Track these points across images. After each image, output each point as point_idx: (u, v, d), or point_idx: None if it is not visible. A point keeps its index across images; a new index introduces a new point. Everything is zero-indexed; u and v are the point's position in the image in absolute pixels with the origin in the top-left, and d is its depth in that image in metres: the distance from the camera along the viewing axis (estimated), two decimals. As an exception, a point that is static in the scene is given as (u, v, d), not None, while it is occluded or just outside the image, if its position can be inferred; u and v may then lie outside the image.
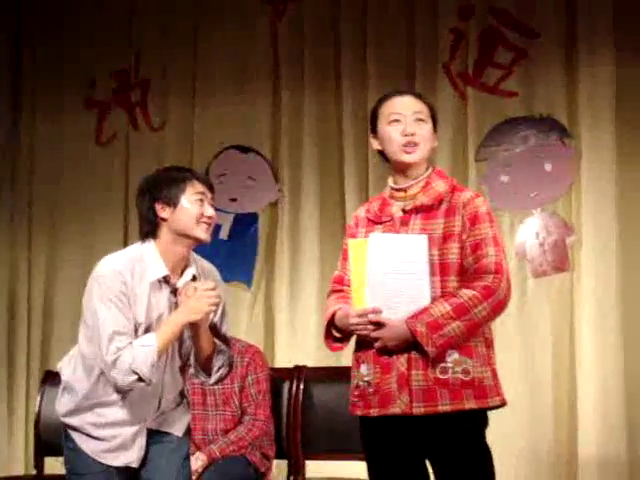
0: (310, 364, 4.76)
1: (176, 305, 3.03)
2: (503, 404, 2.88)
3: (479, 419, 2.86)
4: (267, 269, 5.48)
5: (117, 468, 3.10)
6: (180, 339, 3.10)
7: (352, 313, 2.87)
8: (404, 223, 2.90)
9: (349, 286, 2.93)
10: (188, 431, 3.25)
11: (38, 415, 4.87)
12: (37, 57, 5.86)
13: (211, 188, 3.10)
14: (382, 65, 5.26)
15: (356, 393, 2.92)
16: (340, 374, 4.38)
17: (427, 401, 2.78)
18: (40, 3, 5.88)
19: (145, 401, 3.09)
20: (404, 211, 2.92)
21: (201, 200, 3.04)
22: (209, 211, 3.04)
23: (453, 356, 2.81)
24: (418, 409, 2.78)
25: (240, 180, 5.54)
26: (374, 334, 2.83)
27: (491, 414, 2.91)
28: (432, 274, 2.82)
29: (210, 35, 5.59)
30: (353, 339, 3.00)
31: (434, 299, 2.81)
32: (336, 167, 5.38)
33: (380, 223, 2.95)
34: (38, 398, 4.91)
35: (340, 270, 3.04)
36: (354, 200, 5.23)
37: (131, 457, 3.11)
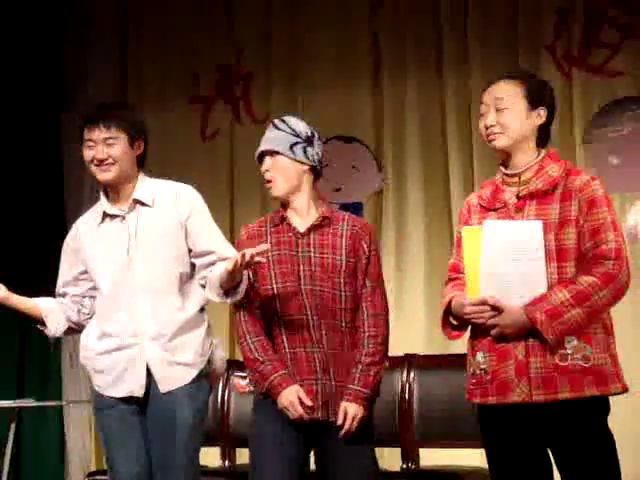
0: (418, 352, 4.74)
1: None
2: (625, 391, 2.83)
3: (601, 406, 2.81)
4: (373, 258, 5.47)
5: (124, 400, 3.17)
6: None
7: (466, 302, 2.85)
8: (519, 209, 2.85)
9: (464, 273, 2.90)
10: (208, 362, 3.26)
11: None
12: (141, 57, 5.97)
13: (103, 124, 3.18)
14: (485, 48, 5.21)
15: (473, 381, 2.89)
16: (451, 362, 4.39)
17: (547, 388, 2.75)
18: (144, 1, 5.99)
19: (114, 315, 3.19)
20: (518, 197, 2.87)
21: (90, 146, 3.22)
22: (97, 154, 3.20)
23: (572, 343, 2.77)
24: (538, 397, 2.75)
25: (344, 170, 5.56)
26: (491, 321, 2.80)
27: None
28: (548, 260, 2.78)
29: (311, 26, 5.62)
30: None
31: (551, 286, 2.76)
32: (440, 154, 5.35)
33: (494, 210, 2.90)
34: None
35: (455, 258, 3.01)
36: (459, 187, 5.20)
37: (131, 386, 3.16)
